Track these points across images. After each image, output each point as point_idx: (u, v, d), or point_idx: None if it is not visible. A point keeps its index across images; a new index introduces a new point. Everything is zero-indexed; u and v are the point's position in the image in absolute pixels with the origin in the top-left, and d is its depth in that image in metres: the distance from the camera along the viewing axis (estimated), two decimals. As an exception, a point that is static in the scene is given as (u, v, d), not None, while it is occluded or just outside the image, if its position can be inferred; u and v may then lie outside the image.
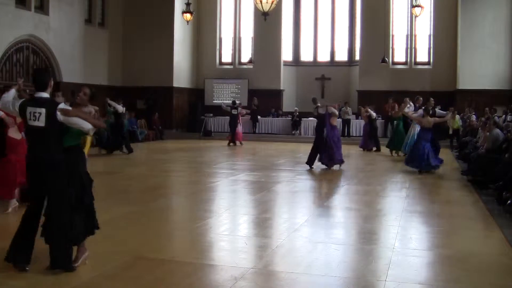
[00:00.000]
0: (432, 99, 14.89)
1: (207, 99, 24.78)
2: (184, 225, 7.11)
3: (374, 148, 17.98)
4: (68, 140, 4.95)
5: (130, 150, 15.87)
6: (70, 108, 4.89)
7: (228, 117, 20.56)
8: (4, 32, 16.74)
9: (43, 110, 4.73)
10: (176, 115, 23.77)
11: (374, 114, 18.40)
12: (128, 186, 10.24)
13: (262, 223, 7.16)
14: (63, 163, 4.83)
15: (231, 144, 19.70)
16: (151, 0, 23.14)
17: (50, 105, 4.78)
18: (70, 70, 19.66)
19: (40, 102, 4.77)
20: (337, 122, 14.25)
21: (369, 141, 18.16)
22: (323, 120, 12.78)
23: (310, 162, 12.83)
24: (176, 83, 23.57)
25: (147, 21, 23.03)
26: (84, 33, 20.60)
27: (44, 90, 4.86)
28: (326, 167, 12.68)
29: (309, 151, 13.04)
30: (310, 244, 6.02)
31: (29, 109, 4.76)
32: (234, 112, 19.74)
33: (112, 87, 22.41)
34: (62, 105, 4.83)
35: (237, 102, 20.84)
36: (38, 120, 4.73)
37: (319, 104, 13.08)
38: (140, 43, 23.09)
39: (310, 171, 12.63)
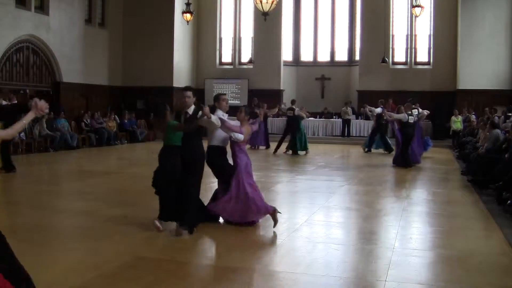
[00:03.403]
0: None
1: (207, 99, 24.75)
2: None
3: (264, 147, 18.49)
4: None
5: (8, 168, 11.25)
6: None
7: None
8: (4, 32, 16.75)
9: None
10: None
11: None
12: (128, 186, 10.24)
13: (262, 223, 7.16)
14: None
15: None
16: (151, 0, 23.14)
17: None
18: (70, 70, 19.68)
19: None
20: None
21: (258, 139, 18.49)
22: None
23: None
24: (176, 83, 23.53)
25: (147, 21, 23.02)
26: (84, 33, 20.61)
27: None
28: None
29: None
30: (310, 244, 6.02)
31: None
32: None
33: (112, 87, 22.42)
34: None
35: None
36: None
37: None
38: (140, 43, 23.08)
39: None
